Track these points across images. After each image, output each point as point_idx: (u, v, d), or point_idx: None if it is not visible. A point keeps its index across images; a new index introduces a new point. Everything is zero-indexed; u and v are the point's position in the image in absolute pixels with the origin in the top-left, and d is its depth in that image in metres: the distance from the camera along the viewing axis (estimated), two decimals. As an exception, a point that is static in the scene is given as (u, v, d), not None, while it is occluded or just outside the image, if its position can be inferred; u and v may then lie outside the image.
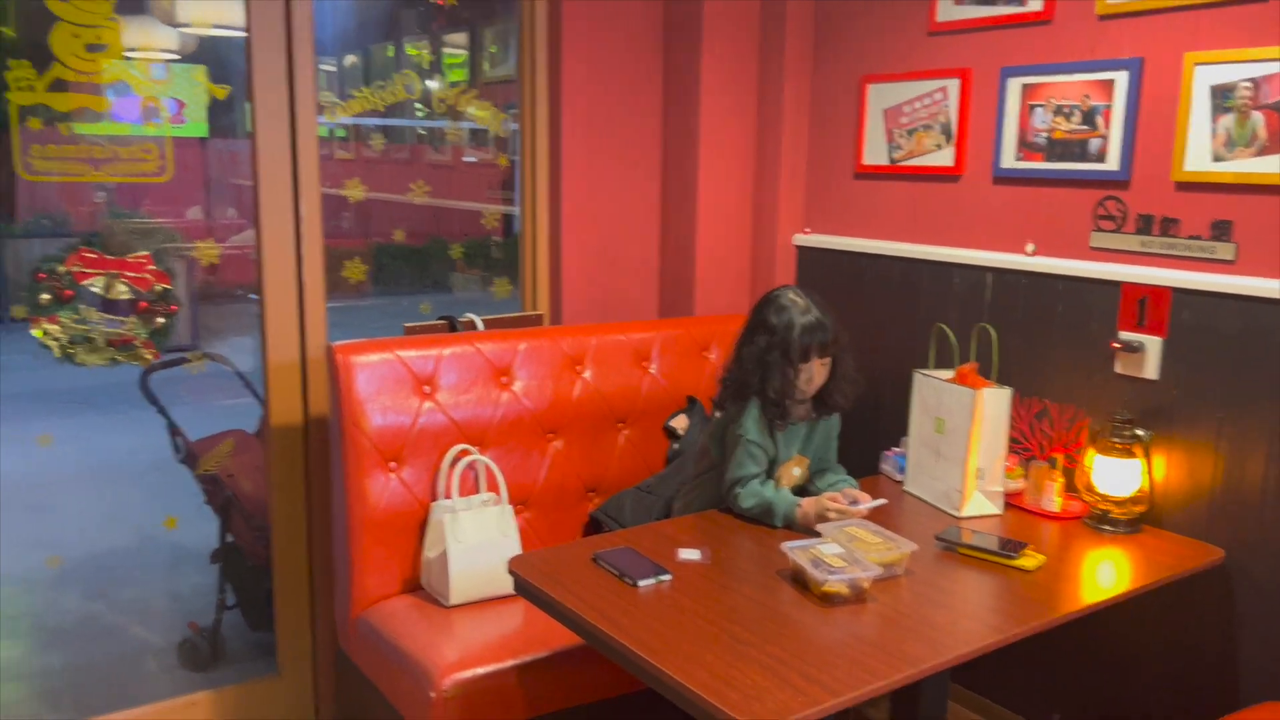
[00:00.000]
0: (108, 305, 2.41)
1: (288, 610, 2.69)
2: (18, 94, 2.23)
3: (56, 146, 2.29)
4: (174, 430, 2.96)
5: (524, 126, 2.95)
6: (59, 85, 2.30)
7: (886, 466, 2.58)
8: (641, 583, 1.82)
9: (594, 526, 2.62)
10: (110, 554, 3.80)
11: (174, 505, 2.86)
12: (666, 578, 1.85)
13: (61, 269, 2.35)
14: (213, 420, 3.14)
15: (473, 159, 3.88)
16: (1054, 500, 2.27)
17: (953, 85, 2.59)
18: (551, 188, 2.95)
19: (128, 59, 2.38)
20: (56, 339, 2.30)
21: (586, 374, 2.67)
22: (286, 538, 2.65)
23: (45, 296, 2.30)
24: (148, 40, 2.61)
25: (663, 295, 3.15)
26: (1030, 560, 1.97)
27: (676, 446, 2.70)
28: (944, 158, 2.63)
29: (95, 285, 2.35)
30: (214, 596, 3.02)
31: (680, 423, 2.75)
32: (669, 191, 3.09)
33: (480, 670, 2.06)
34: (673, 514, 2.40)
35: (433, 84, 3.10)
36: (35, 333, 2.32)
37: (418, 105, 3.03)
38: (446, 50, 4.12)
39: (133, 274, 2.38)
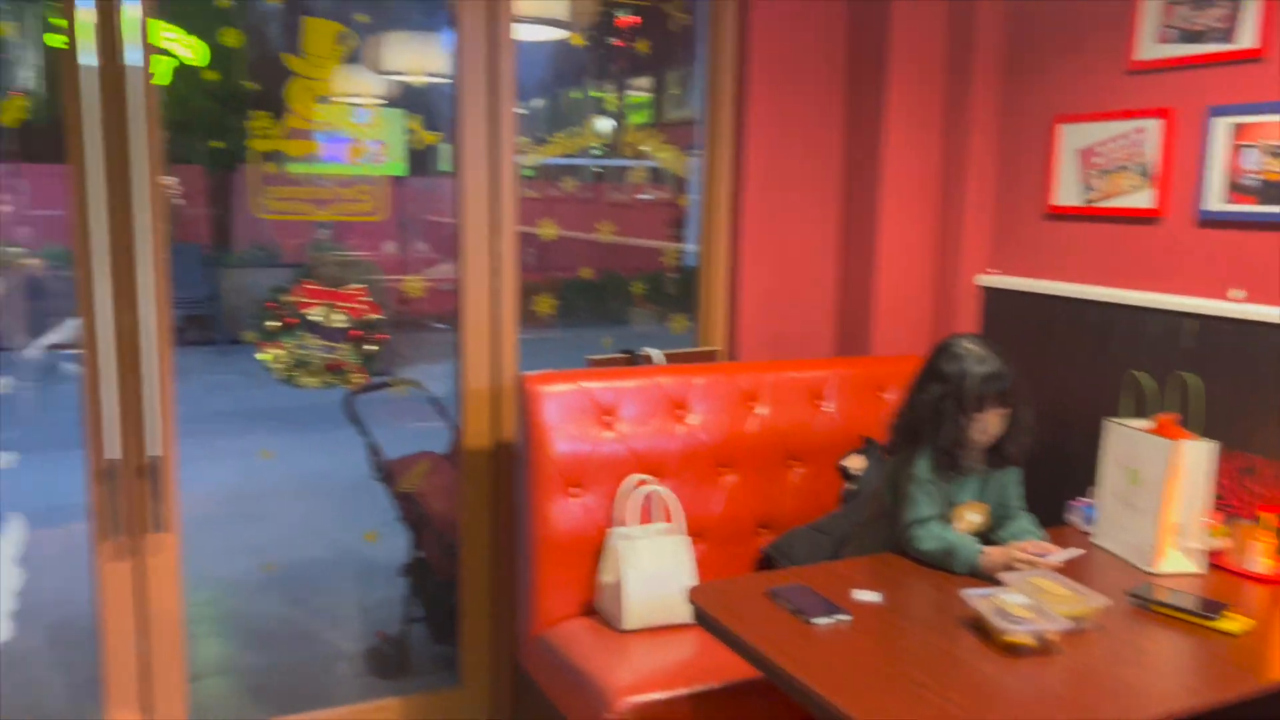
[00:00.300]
0: (323, 332, 2.63)
1: (471, 625, 2.83)
2: (259, 141, 2.48)
3: (286, 188, 2.53)
4: (373, 449, 3.18)
5: (706, 166, 3.03)
6: (291, 132, 2.55)
7: (1074, 517, 2.49)
8: (818, 621, 1.83)
9: (765, 562, 2.64)
10: (309, 563, 4.09)
11: (367, 521, 3.07)
12: (844, 617, 1.85)
13: (287, 299, 2.59)
14: (404, 441, 3.34)
15: (649, 197, 3.99)
16: (1261, 561, 2.14)
17: (1153, 125, 2.50)
18: (731, 226, 3.01)
19: (341, 105, 2.60)
20: (281, 362, 2.53)
21: (761, 410, 2.71)
22: (473, 556, 2.80)
23: (273, 323, 2.54)
24: (358, 87, 2.84)
25: (838, 333, 3.16)
26: (1233, 623, 1.86)
27: (851, 487, 2.69)
28: (1142, 199, 2.54)
29: (315, 314, 2.58)
30: (402, 608, 3.21)
31: (855, 463, 2.74)
32: (848, 229, 3.11)
33: (655, 695, 2.12)
34: (845, 555, 2.39)
35: (612, 124, 3.24)
36: (263, 356, 2.56)
37: (595, 147, 3.17)
38: (630, 93, 4.27)
39: (348, 304, 2.60)
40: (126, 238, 2.23)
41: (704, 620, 1.90)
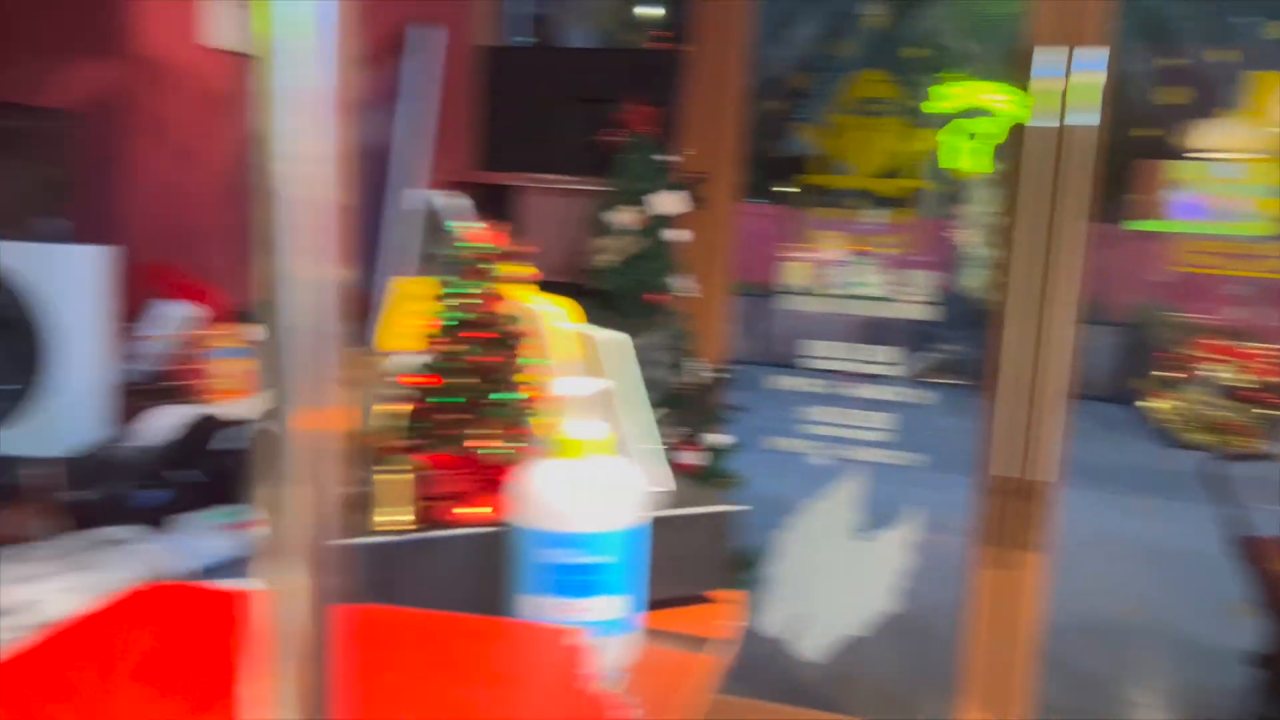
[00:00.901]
0: (1216, 389, 2.56)
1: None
2: (1181, 191, 2.53)
3: (1204, 243, 2.53)
4: (1234, 522, 2.97)
5: None
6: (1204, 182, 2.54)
7: None
8: None
9: None
10: (1131, 622, 3.97)
11: (1202, 595, 2.86)
12: None
13: (1181, 352, 2.58)
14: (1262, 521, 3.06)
15: None
16: None
17: None
18: None
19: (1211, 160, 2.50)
20: (1174, 414, 2.54)
21: None
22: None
23: (1169, 374, 2.56)
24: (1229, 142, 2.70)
25: None
26: None
27: None
28: None
29: (1212, 370, 2.52)
30: (1246, 700, 2.94)
31: None
32: None
33: None
34: None
35: None
36: (1150, 404, 2.59)
37: None
38: None
39: (1253, 364, 2.49)
40: (1042, 285, 2.44)
41: None
